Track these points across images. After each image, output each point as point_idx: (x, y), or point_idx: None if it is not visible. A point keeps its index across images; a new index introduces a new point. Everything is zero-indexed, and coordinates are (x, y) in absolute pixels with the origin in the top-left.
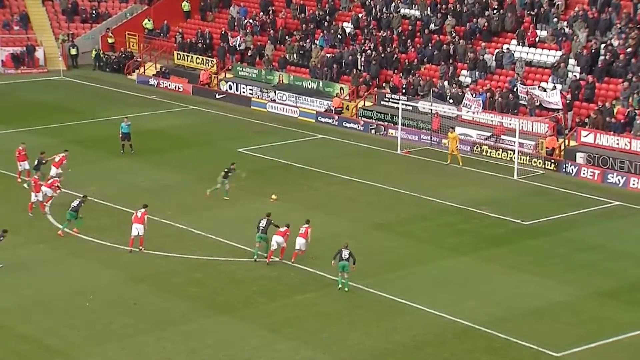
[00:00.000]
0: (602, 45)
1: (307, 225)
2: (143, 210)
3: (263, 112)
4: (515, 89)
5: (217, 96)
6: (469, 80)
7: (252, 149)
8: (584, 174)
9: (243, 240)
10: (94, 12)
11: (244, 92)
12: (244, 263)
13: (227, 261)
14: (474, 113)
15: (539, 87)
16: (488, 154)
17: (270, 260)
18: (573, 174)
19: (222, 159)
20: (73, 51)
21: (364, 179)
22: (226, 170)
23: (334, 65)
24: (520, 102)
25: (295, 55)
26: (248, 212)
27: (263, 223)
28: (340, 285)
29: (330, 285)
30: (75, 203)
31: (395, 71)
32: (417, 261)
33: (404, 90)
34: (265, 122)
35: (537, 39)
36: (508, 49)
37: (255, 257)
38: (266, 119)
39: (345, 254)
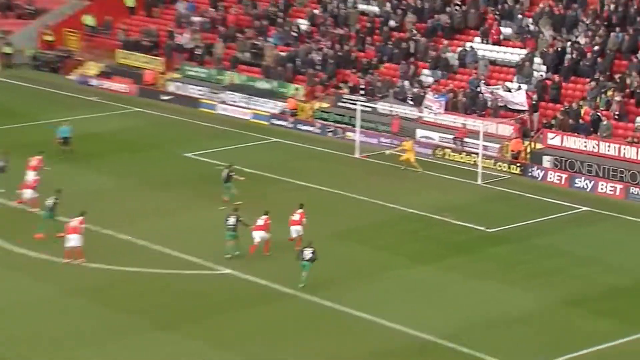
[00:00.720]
0: (569, 44)
1: (301, 211)
2: (80, 218)
3: (212, 114)
4: (479, 89)
5: (163, 97)
6: (430, 79)
7: (201, 153)
8: (550, 178)
9: (191, 250)
10: (30, 7)
11: (192, 93)
12: (192, 275)
13: (173, 274)
14: (435, 115)
15: (503, 87)
16: (451, 158)
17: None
18: (539, 179)
19: (169, 163)
20: (8, 50)
21: (321, 185)
22: (227, 173)
23: (289, 65)
24: (485, 102)
25: (247, 53)
26: (197, 221)
27: (231, 221)
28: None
29: (283, 297)
30: (49, 202)
31: (354, 70)
32: (376, 271)
33: (362, 91)
34: (214, 125)
35: (501, 37)
36: (471, 47)
37: (227, 255)
38: (216, 121)
39: (306, 254)
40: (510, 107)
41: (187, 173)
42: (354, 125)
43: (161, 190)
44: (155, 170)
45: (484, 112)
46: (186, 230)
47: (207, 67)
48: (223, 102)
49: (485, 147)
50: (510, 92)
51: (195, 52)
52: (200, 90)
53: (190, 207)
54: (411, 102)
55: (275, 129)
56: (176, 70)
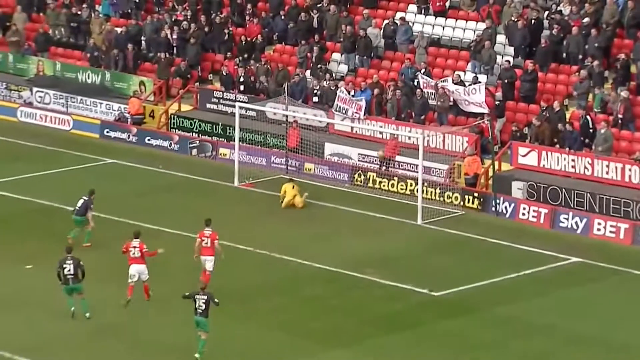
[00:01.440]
0: (546, 14)
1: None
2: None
3: (11, 122)
4: (416, 83)
5: None
6: (344, 68)
7: None
8: (523, 214)
9: None
10: None
11: None
12: None
13: None
14: (352, 121)
15: (454, 78)
16: (377, 186)
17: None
18: (507, 215)
19: None
20: None
21: (181, 229)
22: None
23: (129, 47)
24: (425, 102)
25: (63, 29)
26: None
27: (201, 302)
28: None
29: None
30: (80, 203)
31: (228, 55)
32: None
33: (242, 86)
34: (14, 140)
35: (447, 4)
36: (403, 19)
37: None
38: (15, 134)
39: (200, 302)
40: (463, 108)
41: None
42: (231, 139)
43: None
44: None
45: (423, 117)
46: None
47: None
48: (27, 104)
49: (426, 170)
50: (464, 86)
51: None
52: None
53: None
54: (316, 101)
55: (110, 144)
56: None
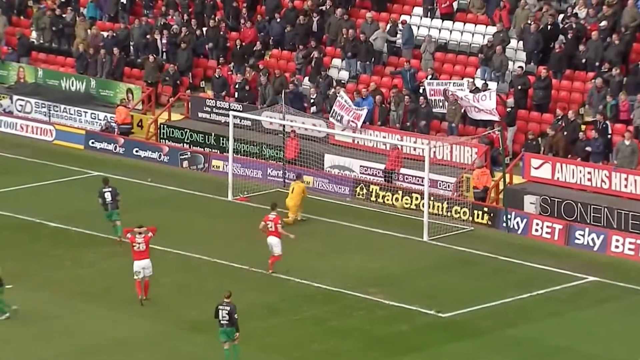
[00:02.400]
0: (561, 17)
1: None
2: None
3: None
4: (421, 90)
5: None
6: (345, 75)
7: None
8: (536, 230)
9: None
10: None
11: None
12: None
13: None
14: (354, 131)
15: (468, 84)
16: (380, 200)
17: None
18: (519, 231)
19: None
20: None
21: (171, 246)
22: (109, 192)
23: (115, 51)
24: (432, 110)
25: (46, 33)
26: None
27: (224, 313)
28: None
29: None
30: (108, 196)
31: (222, 61)
32: None
33: (236, 94)
34: None
35: (455, 7)
36: (406, 22)
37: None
38: None
39: (223, 313)
40: (472, 116)
41: None
42: (224, 150)
43: None
44: None
45: (426, 126)
46: None
47: None
48: (7, 113)
49: (433, 183)
50: (473, 93)
51: None
52: None
53: None
54: (314, 110)
55: (95, 156)
56: None
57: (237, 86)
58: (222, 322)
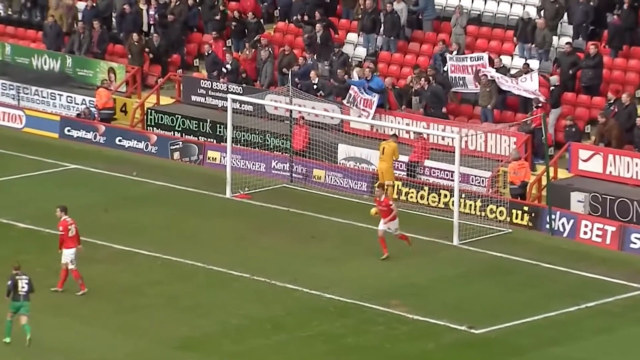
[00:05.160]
0: None
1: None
2: None
3: None
4: (444, 68)
5: None
6: (362, 52)
7: None
8: (585, 233)
9: None
10: None
11: None
12: None
13: None
14: (368, 116)
15: (477, 59)
16: (403, 197)
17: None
18: (565, 234)
19: None
20: None
21: (161, 251)
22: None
23: (95, 25)
24: (460, 92)
25: (15, 3)
26: None
27: (24, 283)
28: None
29: None
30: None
31: (215, 34)
32: None
33: (235, 74)
34: None
35: None
36: None
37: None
38: None
39: (23, 283)
40: (511, 90)
41: None
42: (222, 139)
43: None
44: None
45: (444, 110)
46: None
47: None
48: None
49: (464, 178)
50: (513, 75)
51: None
52: None
53: None
54: (322, 94)
55: (73, 145)
56: None
57: (226, 67)
58: (20, 293)
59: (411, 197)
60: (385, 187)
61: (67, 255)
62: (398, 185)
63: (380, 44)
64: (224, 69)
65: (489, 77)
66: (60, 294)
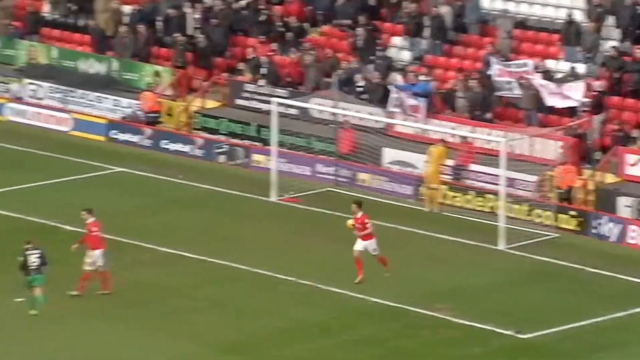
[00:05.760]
0: None
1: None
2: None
3: None
4: (490, 72)
5: None
6: (406, 55)
7: None
8: (632, 238)
9: None
10: None
11: None
12: None
13: None
14: (416, 120)
15: (521, 66)
16: (449, 201)
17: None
18: (613, 239)
19: None
20: None
21: (205, 254)
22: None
23: (140, 28)
24: (507, 96)
25: (61, 7)
26: None
27: (34, 257)
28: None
29: None
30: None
31: (262, 39)
32: None
33: (278, 77)
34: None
35: None
36: None
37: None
38: (1, 136)
39: (33, 258)
40: (557, 105)
41: None
42: (267, 142)
43: None
44: None
45: (490, 115)
46: None
47: None
48: (16, 99)
49: (511, 182)
50: (560, 81)
51: None
52: None
53: None
54: (366, 98)
55: (119, 148)
56: None
57: (265, 70)
58: (31, 267)
59: (457, 201)
60: (433, 189)
61: (97, 256)
62: (443, 189)
63: (426, 48)
64: (265, 72)
65: (532, 84)
66: (105, 298)
